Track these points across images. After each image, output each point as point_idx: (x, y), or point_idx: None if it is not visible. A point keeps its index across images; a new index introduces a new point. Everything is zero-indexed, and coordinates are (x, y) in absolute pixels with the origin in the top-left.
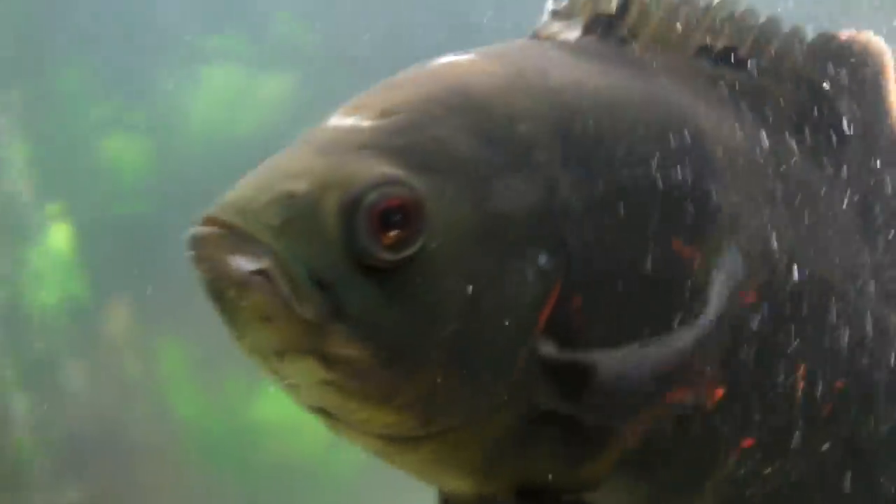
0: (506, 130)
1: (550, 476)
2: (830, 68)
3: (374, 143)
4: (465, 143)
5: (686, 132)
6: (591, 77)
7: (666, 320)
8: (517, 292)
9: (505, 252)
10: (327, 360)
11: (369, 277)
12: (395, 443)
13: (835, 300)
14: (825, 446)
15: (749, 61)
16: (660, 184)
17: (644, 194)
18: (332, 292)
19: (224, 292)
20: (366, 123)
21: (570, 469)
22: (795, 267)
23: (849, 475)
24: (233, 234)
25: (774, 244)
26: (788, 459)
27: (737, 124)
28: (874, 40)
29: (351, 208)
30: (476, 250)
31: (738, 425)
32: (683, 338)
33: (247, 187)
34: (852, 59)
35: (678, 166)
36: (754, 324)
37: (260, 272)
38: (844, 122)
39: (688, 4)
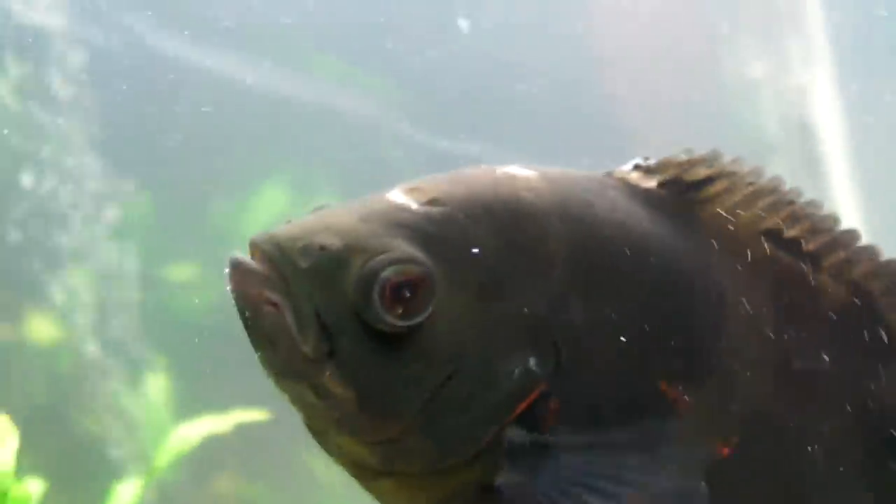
0: (532, 244)
1: None
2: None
3: (411, 225)
4: (491, 245)
5: (704, 295)
6: (631, 219)
7: (635, 450)
8: (500, 382)
9: (499, 345)
10: (317, 390)
11: (368, 333)
12: (362, 471)
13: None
14: None
15: (813, 256)
16: (662, 331)
17: (642, 335)
18: (333, 337)
19: (245, 312)
20: (413, 206)
21: None
22: (777, 447)
23: None
24: (266, 264)
25: (762, 417)
26: None
27: (769, 299)
28: None
29: (370, 276)
30: (472, 337)
31: None
32: (640, 474)
33: (293, 228)
34: None
35: (684, 323)
36: (726, 477)
37: (274, 304)
38: (879, 345)
39: (775, 194)
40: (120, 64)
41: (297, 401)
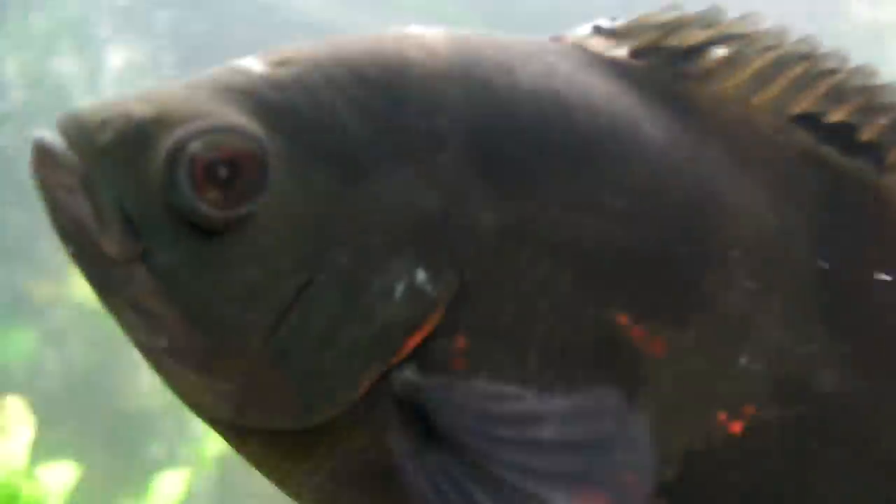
0: (416, 119)
1: None
2: None
3: (248, 89)
4: (358, 115)
5: (697, 205)
6: (577, 92)
7: (582, 418)
8: (376, 302)
9: (369, 250)
10: (136, 309)
11: (184, 229)
12: (224, 430)
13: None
14: None
15: (873, 148)
16: (625, 247)
17: (592, 250)
18: (143, 234)
19: (46, 204)
20: (258, 67)
21: None
22: (815, 405)
23: None
24: (65, 143)
25: (789, 371)
26: None
27: (803, 216)
28: None
29: (176, 150)
30: (329, 236)
31: None
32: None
33: (102, 100)
34: None
35: (661, 238)
36: (730, 451)
37: (71, 190)
38: None
39: (808, 61)
40: None
41: (121, 325)
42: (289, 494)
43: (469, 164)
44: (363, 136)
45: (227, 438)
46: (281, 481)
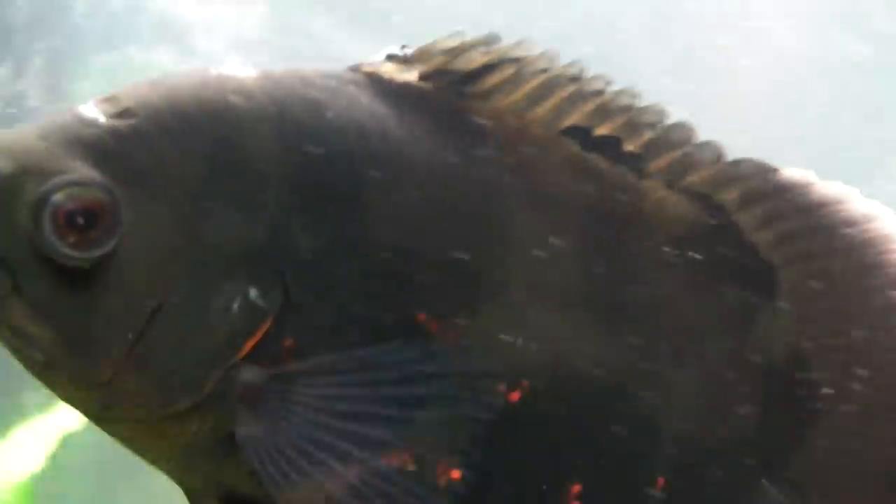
0: (239, 159)
1: (254, 492)
2: (748, 198)
3: (95, 142)
4: (190, 161)
5: (479, 213)
6: (375, 122)
7: (390, 384)
8: (216, 318)
9: (209, 276)
10: (13, 331)
11: (52, 267)
12: (92, 417)
13: (643, 437)
14: None
15: (635, 157)
16: (419, 256)
17: (392, 260)
18: (15, 271)
19: None
20: (102, 119)
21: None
22: (583, 385)
23: None
24: None
25: (561, 355)
26: None
27: (571, 214)
28: (856, 200)
29: (40, 202)
30: (175, 267)
31: None
32: (405, 413)
33: None
34: (793, 201)
35: (449, 245)
36: (513, 419)
37: None
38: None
39: (576, 83)
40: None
41: (4, 344)
42: (148, 462)
43: (286, 196)
44: (195, 179)
45: (97, 422)
46: (141, 454)
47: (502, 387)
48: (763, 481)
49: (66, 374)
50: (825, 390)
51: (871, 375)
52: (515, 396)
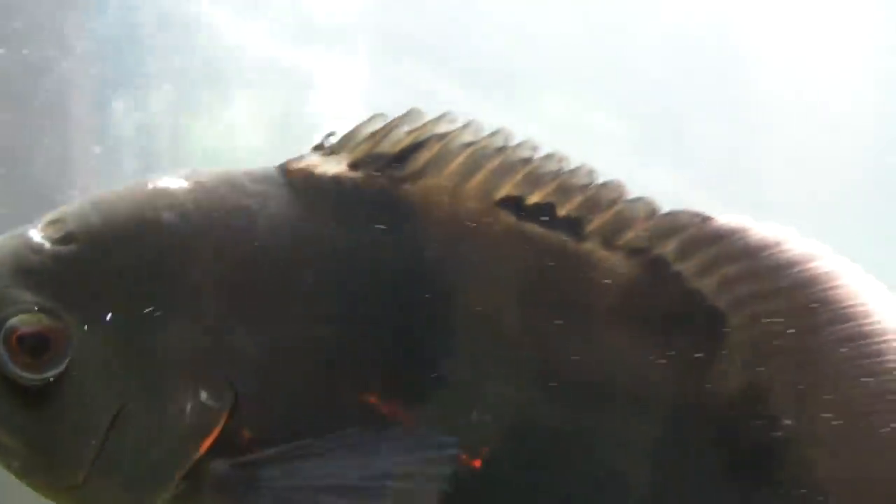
0: (175, 274)
1: None
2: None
3: (41, 269)
4: (129, 281)
5: (421, 296)
6: (305, 222)
7: (353, 455)
8: (173, 421)
9: (160, 385)
10: None
11: (14, 388)
12: None
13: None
14: None
15: (571, 221)
16: (364, 344)
17: (336, 351)
18: None
19: None
20: (47, 245)
21: None
22: (537, 450)
23: None
24: None
25: (513, 423)
26: None
27: (513, 286)
28: (793, 240)
29: None
30: (126, 382)
31: None
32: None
33: None
34: (732, 246)
35: (393, 330)
36: (478, 484)
37: None
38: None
39: (503, 153)
40: None
41: None
42: None
43: (223, 303)
44: (138, 297)
45: None
46: None
47: (464, 456)
48: None
49: (41, 480)
50: (784, 423)
51: (824, 407)
52: (477, 463)
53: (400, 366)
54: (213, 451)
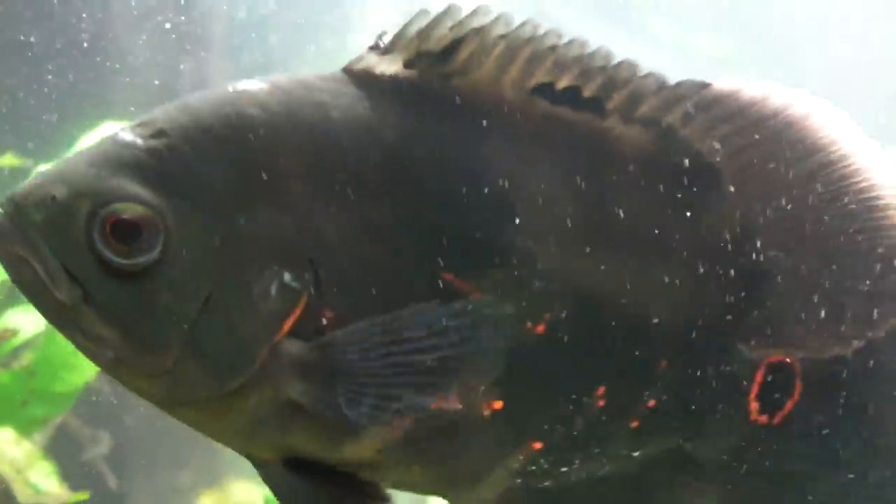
0: (262, 162)
1: (316, 452)
2: (698, 116)
3: (136, 162)
4: (219, 169)
5: (479, 180)
6: (373, 115)
7: (429, 334)
8: (258, 301)
9: (248, 267)
10: (85, 334)
11: (111, 274)
12: (161, 403)
13: (645, 333)
14: (636, 453)
15: (595, 101)
16: (435, 226)
17: (411, 234)
18: (82, 282)
19: (7, 270)
20: (139, 141)
21: (334, 449)
22: (593, 304)
23: (679, 478)
24: (11, 223)
25: (571, 284)
26: (589, 463)
27: (555, 164)
28: (777, 93)
29: (90, 219)
30: (218, 263)
31: (521, 432)
32: (441, 360)
33: (30, 182)
34: (725, 108)
35: (460, 212)
36: (541, 352)
37: (26, 259)
38: (697, 169)
39: (532, 43)
40: None
41: (76, 346)
42: (217, 440)
43: (309, 189)
44: (227, 185)
45: (166, 409)
46: (210, 434)
47: (528, 322)
48: (739, 346)
49: (134, 367)
50: (774, 253)
51: (808, 233)
52: (541, 329)
53: (469, 245)
54: (295, 331)
